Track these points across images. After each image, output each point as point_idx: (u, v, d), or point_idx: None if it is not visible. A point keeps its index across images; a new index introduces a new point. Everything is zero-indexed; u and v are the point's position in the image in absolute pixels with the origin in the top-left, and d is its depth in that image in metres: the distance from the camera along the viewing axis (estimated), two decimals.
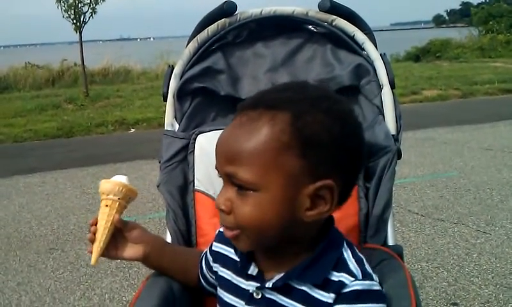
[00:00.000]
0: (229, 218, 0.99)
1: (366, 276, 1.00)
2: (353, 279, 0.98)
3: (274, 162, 0.94)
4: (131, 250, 1.24)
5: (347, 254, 1.03)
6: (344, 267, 1.01)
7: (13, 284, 3.49)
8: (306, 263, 1.02)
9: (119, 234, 1.23)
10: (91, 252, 1.20)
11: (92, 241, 1.20)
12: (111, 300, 3.18)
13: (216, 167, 1.02)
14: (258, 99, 1.01)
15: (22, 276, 3.60)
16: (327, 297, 0.99)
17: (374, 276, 1.02)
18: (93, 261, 1.20)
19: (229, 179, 0.98)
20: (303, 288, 1.01)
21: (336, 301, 0.98)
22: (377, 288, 1.00)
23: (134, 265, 3.36)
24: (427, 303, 2.87)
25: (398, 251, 1.35)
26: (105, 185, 1.20)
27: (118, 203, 1.19)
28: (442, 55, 18.82)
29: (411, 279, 1.14)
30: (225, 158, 0.98)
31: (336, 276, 1.00)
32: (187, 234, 1.55)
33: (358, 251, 1.07)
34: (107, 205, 1.19)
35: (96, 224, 1.19)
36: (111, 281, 3.40)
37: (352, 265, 1.01)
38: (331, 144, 0.96)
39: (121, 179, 1.22)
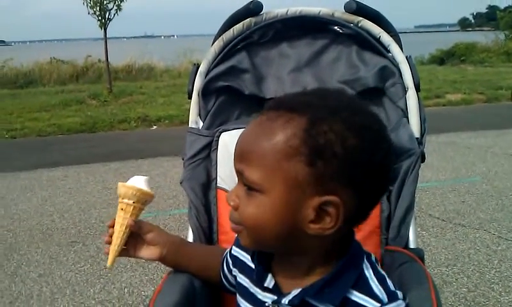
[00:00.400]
0: (235, 214, 0.99)
1: (391, 297, 0.96)
2: (379, 305, 0.94)
3: (281, 166, 0.91)
4: (148, 251, 1.27)
5: (369, 273, 0.99)
6: (366, 288, 0.96)
7: (34, 275, 3.55)
8: (324, 281, 0.98)
9: (137, 234, 1.24)
10: (108, 254, 1.22)
11: (109, 243, 1.22)
12: (130, 294, 3.21)
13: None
14: (282, 100, 0.99)
15: (44, 268, 3.66)
16: None
17: (399, 293, 0.98)
18: (108, 263, 1.23)
19: (240, 176, 0.98)
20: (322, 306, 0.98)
21: None
22: (403, 306, 0.97)
23: None
24: None
25: (419, 254, 1.34)
26: (121, 188, 1.22)
27: (132, 207, 1.21)
28: (467, 59, 18.58)
29: (432, 282, 1.13)
30: (238, 155, 0.97)
31: (359, 298, 0.95)
32: (208, 231, 1.57)
33: (378, 267, 1.03)
34: (122, 209, 1.21)
35: (113, 226, 1.22)
36: (130, 276, 3.44)
37: (376, 286, 0.97)
38: (344, 158, 0.89)
39: (141, 180, 1.22)
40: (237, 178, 1.00)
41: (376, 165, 0.93)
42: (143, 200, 1.22)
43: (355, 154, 0.90)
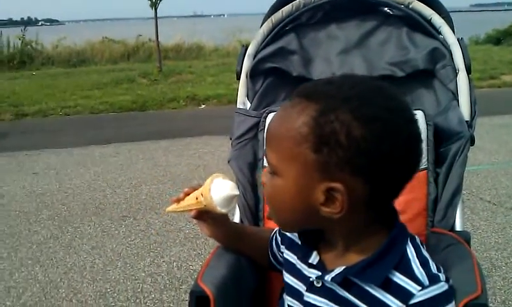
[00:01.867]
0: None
1: (432, 280, 0.97)
2: (420, 287, 0.95)
3: (292, 152, 0.96)
4: (206, 230, 1.31)
5: (412, 254, 1.00)
6: (408, 270, 0.98)
7: (87, 247, 3.70)
8: (367, 261, 1.00)
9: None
10: (173, 202, 1.28)
11: (174, 201, 1.27)
12: (178, 268, 3.30)
13: None
14: (305, 88, 1.02)
15: (96, 241, 3.80)
16: (393, 302, 0.96)
17: (441, 276, 0.99)
18: (167, 209, 1.29)
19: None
20: (364, 286, 1.00)
21: None
22: (445, 288, 0.97)
23: (202, 236, 3.46)
24: (495, 292, 2.81)
25: (466, 237, 1.34)
26: (207, 187, 1.20)
27: (202, 206, 1.22)
28: None
29: (477, 265, 1.13)
30: (266, 138, 1.06)
31: (401, 279, 0.97)
32: (255, 209, 1.61)
33: (422, 249, 1.03)
34: (197, 198, 1.22)
35: (187, 194, 1.24)
36: (179, 250, 3.53)
37: (417, 268, 0.98)
38: (348, 147, 0.90)
39: (226, 193, 1.20)
40: None
41: (385, 156, 0.92)
42: (214, 211, 1.22)
43: (361, 144, 0.90)
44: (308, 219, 1.01)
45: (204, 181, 1.22)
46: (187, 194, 1.25)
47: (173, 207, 1.27)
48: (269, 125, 1.07)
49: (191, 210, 1.24)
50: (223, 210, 1.21)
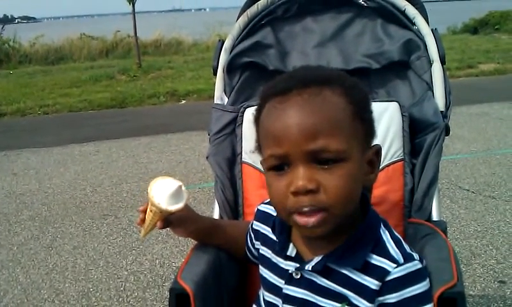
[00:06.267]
0: (318, 197, 0.95)
1: (407, 258, 1.01)
2: (395, 265, 0.99)
3: (352, 129, 0.98)
4: (178, 232, 1.31)
5: (386, 236, 1.05)
6: (383, 251, 1.02)
7: (69, 247, 3.66)
8: (344, 247, 1.03)
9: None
10: (141, 226, 1.26)
11: (140, 225, 1.26)
12: (161, 265, 3.29)
13: (275, 155, 0.99)
14: (305, 78, 1.00)
15: (78, 240, 3.77)
16: (370, 282, 1.00)
17: (415, 255, 1.03)
18: (141, 236, 1.28)
19: (311, 157, 0.95)
20: (343, 271, 1.03)
21: (382, 290, 0.99)
22: (419, 266, 1.01)
23: None
24: (474, 280, 2.84)
25: (442, 226, 1.36)
26: (150, 195, 1.20)
27: (159, 215, 1.21)
28: (501, 28, 18.02)
29: (453, 253, 1.15)
30: (307, 136, 0.94)
31: (377, 260, 1.01)
32: (234, 204, 1.61)
33: (394, 231, 1.08)
34: (151, 211, 1.21)
35: (145, 212, 1.23)
36: (161, 248, 3.52)
37: (392, 248, 1.02)
38: (370, 111, 1.05)
39: (170, 188, 1.20)
40: (292, 162, 0.97)
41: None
42: (169, 213, 1.22)
43: (368, 100, 1.07)
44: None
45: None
46: (144, 211, 1.24)
47: (143, 231, 1.26)
48: (293, 126, 0.95)
49: (155, 223, 1.23)
50: (177, 206, 1.20)
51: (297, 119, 0.95)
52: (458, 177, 4.56)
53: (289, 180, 0.97)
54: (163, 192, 1.20)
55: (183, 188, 1.22)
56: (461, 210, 3.88)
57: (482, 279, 2.89)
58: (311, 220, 0.96)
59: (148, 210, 1.22)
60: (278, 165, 0.99)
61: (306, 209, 0.96)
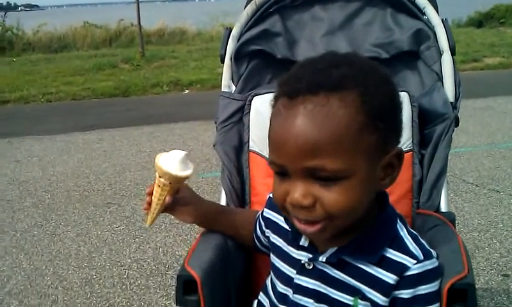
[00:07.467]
0: (315, 212, 0.94)
1: (426, 255, 1.00)
2: (415, 261, 0.99)
3: (357, 144, 0.91)
4: (183, 217, 1.30)
5: (403, 232, 1.04)
6: (402, 246, 1.01)
7: (72, 234, 3.67)
8: (360, 240, 1.02)
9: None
10: (147, 213, 1.26)
11: (147, 210, 1.26)
12: (164, 254, 3.29)
13: (275, 163, 0.97)
14: (313, 82, 0.93)
15: (81, 228, 3.77)
16: (388, 276, 0.99)
17: (433, 252, 1.03)
18: (147, 223, 1.27)
19: (309, 173, 0.92)
20: (358, 264, 1.02)
21: (399, 284, 0.98)
22: (436, 264, 1.01)
23: None
24: (478, 273, 2.84)
25: (450, 217, 1.35)
26: (158, 165, 1.20)
27: (169, 187, 1.21)
28: (506, 22, 17.90)
29: (463, 245, 1.14)
30: (304, 153, 0.91)
31: (395, 255, 1.00)
32: (241, 192, 1.60)
33: (410, 228, 1.07)
34: (159, 186, 1.21)
35: (151, 194, 1.24)
36: (164, 236, 3.52)
37: (411, 244, 1.01)
38: (394, 110, 0.99)
39: (178, 157, 1.21)
40: (290, 174, 0.95)
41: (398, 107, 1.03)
42: (179, 180, 1.23)
43: (398, 104, 1.00)
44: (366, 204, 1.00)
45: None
46: (150, 194, 1.24)
47: (150, 216, 1.26)
48: (297, 139, 0.91)
49: (164, 200, 1.23)
50: (187, 172, 1.22)
51: (297, 132, 0.91)
52: (462, 170, 4.56)
53: (288, 188, 0.96)
54: (171, 161, 1.21)
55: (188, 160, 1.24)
56: (465, 203, 3.87)
57: (485, 272, 2.89)
58: (309, 229, 0.97)
59: (156, 186, 1.22)
60: (279, 171, 0.98)
61: (305, 220, 0.97)
